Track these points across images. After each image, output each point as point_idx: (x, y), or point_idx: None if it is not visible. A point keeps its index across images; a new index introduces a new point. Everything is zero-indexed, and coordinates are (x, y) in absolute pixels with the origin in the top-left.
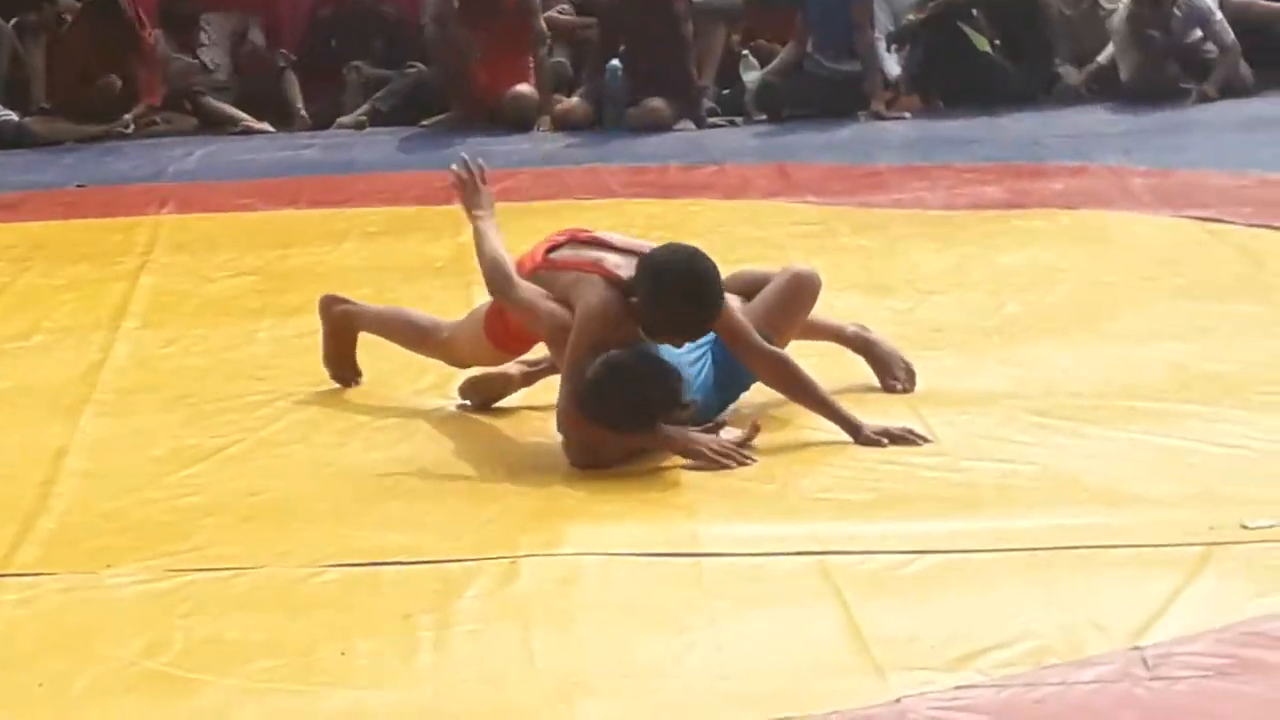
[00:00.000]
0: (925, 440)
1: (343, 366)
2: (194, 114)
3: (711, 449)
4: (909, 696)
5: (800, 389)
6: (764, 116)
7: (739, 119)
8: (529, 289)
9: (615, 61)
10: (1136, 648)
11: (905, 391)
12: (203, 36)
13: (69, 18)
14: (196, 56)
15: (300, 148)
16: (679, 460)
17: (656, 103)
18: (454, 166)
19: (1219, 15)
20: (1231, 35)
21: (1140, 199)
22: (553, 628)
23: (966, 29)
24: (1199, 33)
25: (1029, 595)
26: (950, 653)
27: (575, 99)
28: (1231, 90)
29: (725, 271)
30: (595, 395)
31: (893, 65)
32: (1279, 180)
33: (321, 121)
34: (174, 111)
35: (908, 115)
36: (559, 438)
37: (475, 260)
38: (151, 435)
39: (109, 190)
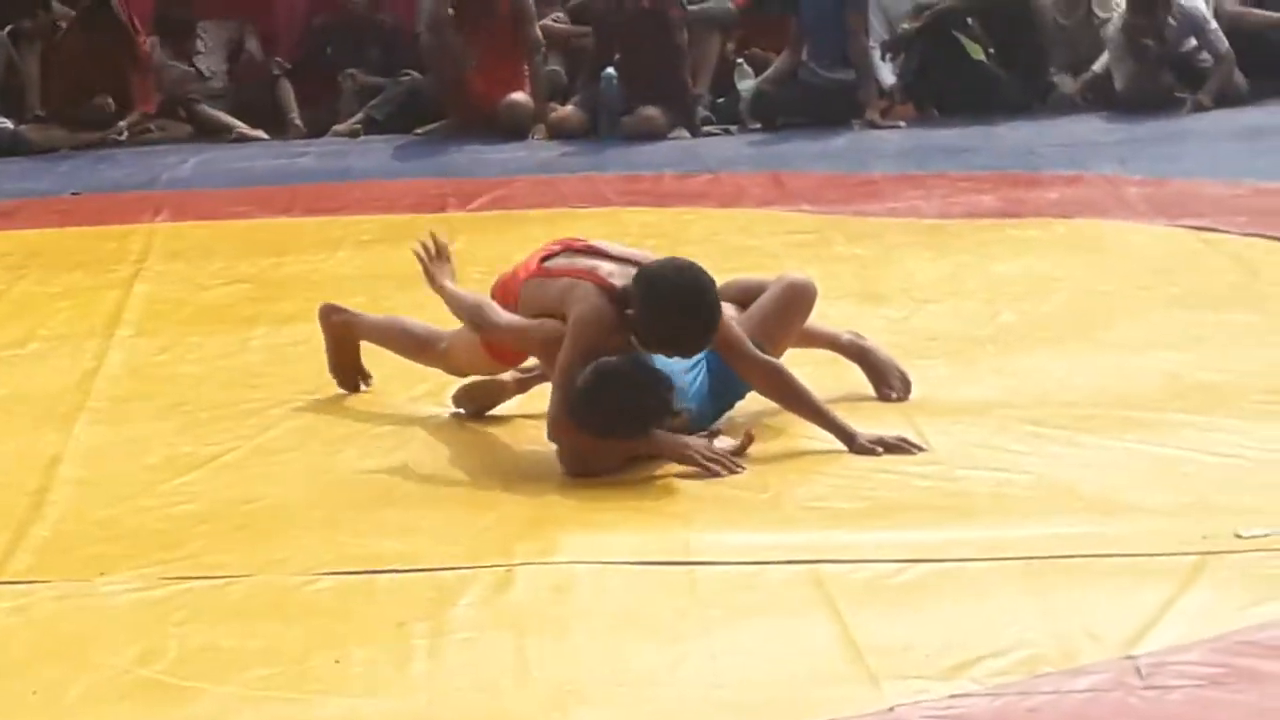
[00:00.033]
0: (920, 449)
1: (349, 373)
2: (189, 121)
3: (703, 454)
4: (903, 705)
5: (794, 398)
6: (759, 125)
7: (734, 127)
8: (510, 317)
9: (610, 70)
10: (1130, 657)
11: (900, 400)
12: (198, 44)
13: (64, 25)
14: (192, 64)
15: (295, 155)
16: (673, 469)
17: (651, 111)
18: (415, 249)
19: (1214, 24)
20: (1226, 44)
21: (1135, 208)
22: (547, 636)
23: (961, 38)
24: (1194, 42)
25: (1023, 604)
26: (944, 661)
27: (570, 107)
28: (1226, 99)
29: (720, 280)
30: (586, 402)
31: (888, 74)
32: (1274, 189)
33: (316, 129)
34: (169, 119)
35: (903, 124)
36: (553, 446)
37: (470, 268)
38: (146, 443)
39: (103, 198)
